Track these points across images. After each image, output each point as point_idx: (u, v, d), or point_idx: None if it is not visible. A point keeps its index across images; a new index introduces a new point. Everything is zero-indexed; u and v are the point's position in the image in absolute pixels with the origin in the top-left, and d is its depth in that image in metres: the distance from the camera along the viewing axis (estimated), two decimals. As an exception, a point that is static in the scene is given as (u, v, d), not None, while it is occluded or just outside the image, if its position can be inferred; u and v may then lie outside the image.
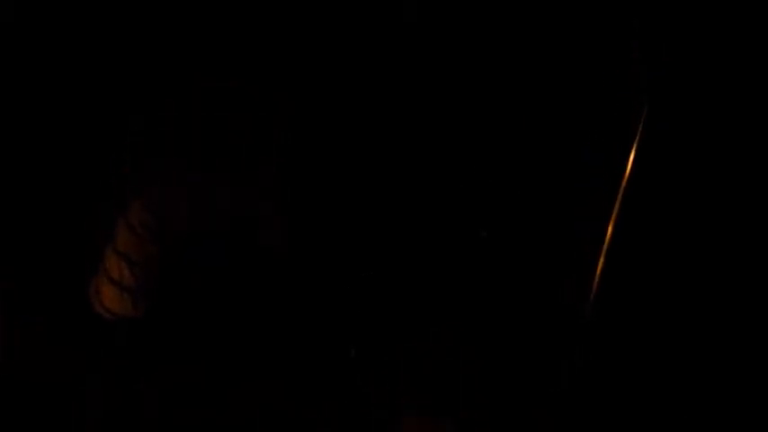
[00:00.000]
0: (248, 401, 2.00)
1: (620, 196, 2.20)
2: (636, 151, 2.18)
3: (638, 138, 2.19)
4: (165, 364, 2.07)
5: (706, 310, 2.17)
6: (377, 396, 2.09)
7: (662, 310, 2.19)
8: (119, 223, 2.20)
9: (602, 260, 2.21)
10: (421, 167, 2.41)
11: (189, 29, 2.36)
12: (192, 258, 2.21)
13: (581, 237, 2.24)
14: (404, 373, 2.13)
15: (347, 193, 2.41)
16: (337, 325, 2.26)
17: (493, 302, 2.28)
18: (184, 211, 2.22)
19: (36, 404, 1.92)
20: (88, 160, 2.38)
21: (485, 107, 2.36)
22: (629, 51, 2.20)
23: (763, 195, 2.17)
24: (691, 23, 2.16)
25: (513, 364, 2.18)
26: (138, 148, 2.34)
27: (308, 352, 2.19)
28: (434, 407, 2.04)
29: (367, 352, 2.20)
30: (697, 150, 2.19)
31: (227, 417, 1.96)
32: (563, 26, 2.26)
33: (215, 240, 2.24)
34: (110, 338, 2.13)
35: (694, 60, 2.17)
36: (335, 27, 2.36)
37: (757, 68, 2.15)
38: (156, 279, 2.17)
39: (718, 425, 2.05)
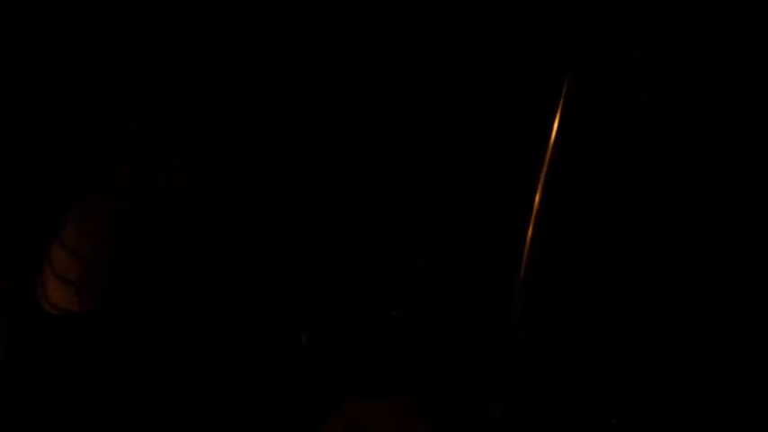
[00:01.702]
0: (248, 401, 2.00)
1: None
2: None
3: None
4: (165, 364, 2.07)
5: (705, 311, 2.17)
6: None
7: (661, 309, 2.19)
8: (67, 217, 2.17)
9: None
10: (421, 166, 2.41)
11: (189, 29, 2.36)
12: (191, 259, 2.21)
13: (581, 236, 2.25)
14: (404, 373, 2.13)
15: (347, 194, 2.41)
16: (336, 325, 2.26)
17: (493, 302, 2.28)
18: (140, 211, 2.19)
19: (36, 404, 1.92)
20: (89, 160, 2.38)
21: (483, 107, 2.37)
22: (629, 51, 2.20)
23: (763, 194, 2.18)
24: (691, 23, 2.16)
25: (512, 364, 2.18)
26: (138, 148, 2.34)
27: (307, 351, 2.19)
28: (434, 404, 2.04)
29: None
30: (697, 150, 2.20)
31: (227, 417, 1.96)
32: (563, 25, 2.27)
33: (214, 241, 2.24)
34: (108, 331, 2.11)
35: (694, 60, 2.17)
36: (335, 27, 2.36)
37: (757, 68, 2.15)
38: (109, 276, 2.13)
39: (719, 424, 2.06)
